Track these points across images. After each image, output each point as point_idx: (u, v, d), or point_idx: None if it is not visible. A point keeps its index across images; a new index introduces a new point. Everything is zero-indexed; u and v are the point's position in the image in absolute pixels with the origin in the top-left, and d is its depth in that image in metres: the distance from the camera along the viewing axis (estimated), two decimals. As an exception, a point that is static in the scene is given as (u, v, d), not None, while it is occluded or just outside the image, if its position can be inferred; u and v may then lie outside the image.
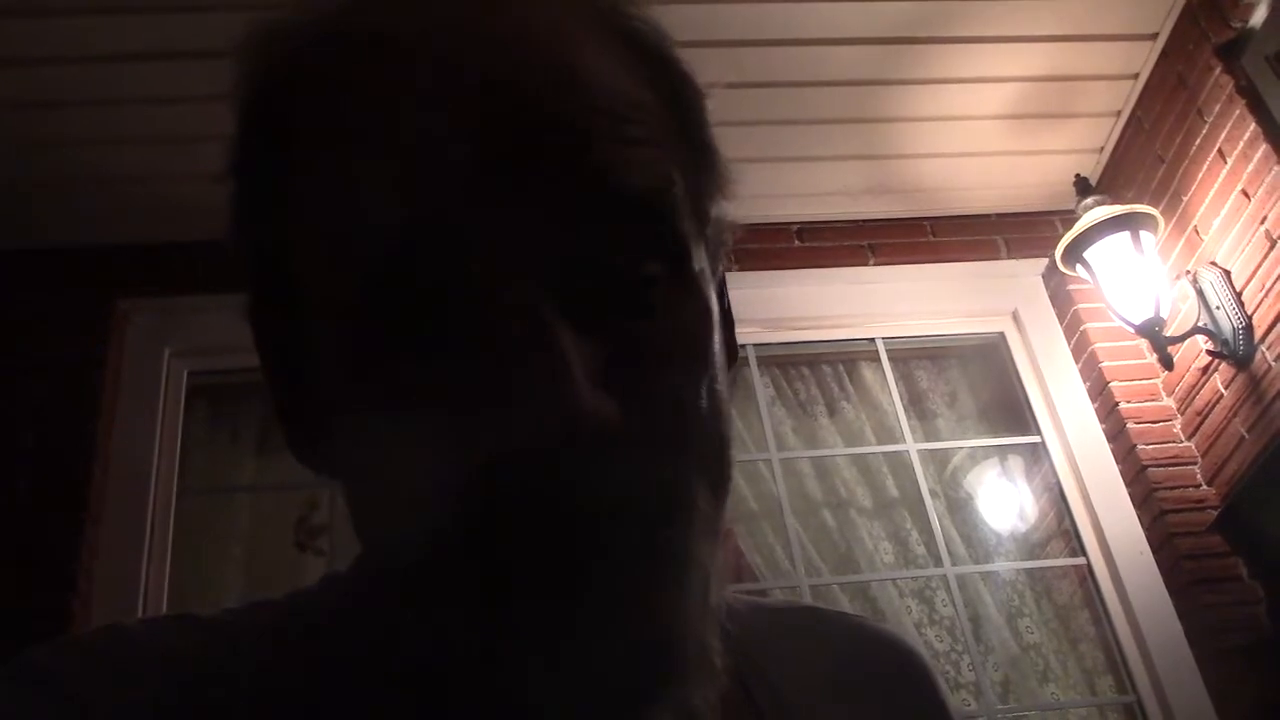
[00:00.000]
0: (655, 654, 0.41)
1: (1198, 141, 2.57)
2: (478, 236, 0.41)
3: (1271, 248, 2.35)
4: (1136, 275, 2.55)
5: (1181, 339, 2.57)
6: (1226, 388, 2.51)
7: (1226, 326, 2.46)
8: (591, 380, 0.40)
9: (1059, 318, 2.93)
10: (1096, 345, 2.80)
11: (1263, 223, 2.38)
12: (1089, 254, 2.59)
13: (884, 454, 2.85)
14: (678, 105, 0.50)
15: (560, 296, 0.41)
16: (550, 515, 0.39)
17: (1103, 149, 2.94)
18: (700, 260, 0.48)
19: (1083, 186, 2.74)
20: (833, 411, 2.91)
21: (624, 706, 0.40)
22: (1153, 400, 2.73)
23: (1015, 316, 2.95)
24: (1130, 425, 2.68)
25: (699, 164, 0.50)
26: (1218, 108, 2.50)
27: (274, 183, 0.48)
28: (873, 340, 2.93)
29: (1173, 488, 2.60)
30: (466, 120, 0.42)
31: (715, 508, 0.45)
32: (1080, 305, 2.84)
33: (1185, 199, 2.62)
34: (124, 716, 0.42)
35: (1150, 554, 2.58)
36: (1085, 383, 2.82)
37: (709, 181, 0.52)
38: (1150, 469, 2.62)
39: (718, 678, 0.43)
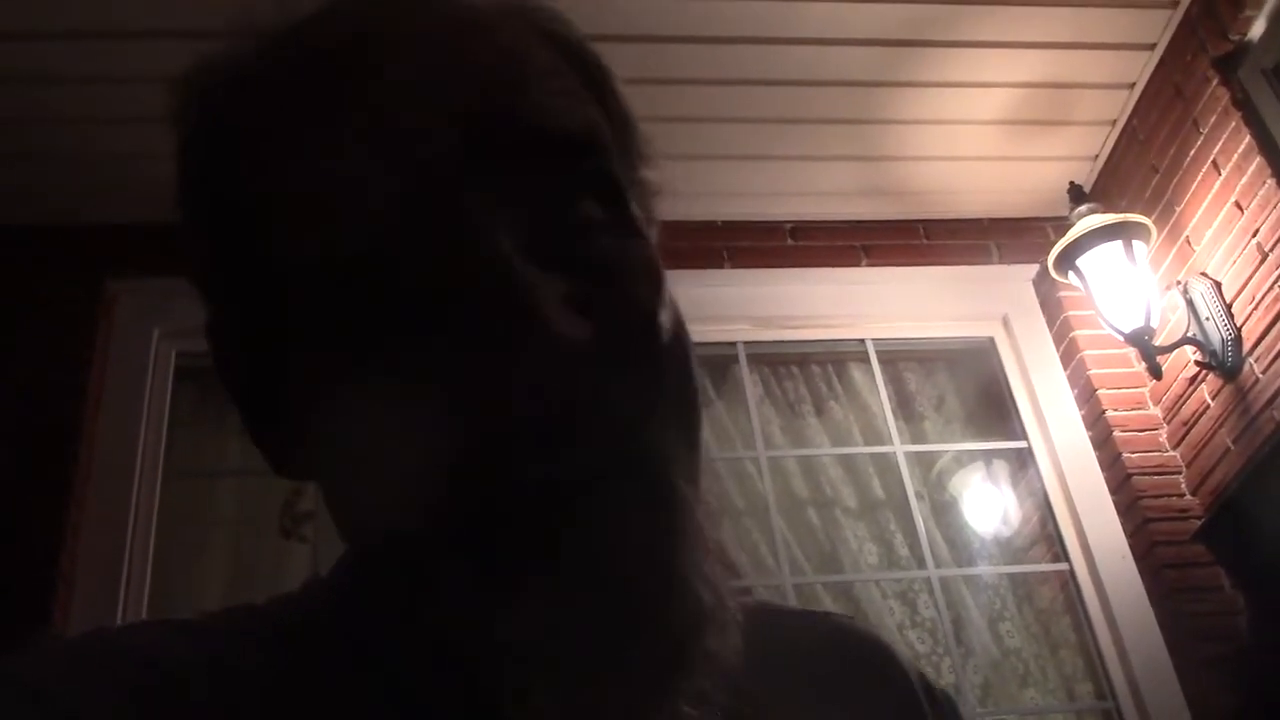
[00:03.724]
0: (664, 589, 0.42)
1: (1192, 152, 2.58)
2: (442, 200, 0.44)
3: (1262, 260, 2.36)
4: (1127, 284, 2.55)
5: (1170, 349, 2.58)
6: (1213, 399, 2.52)
7: (1215, 338, 2.47)
8: (561, 306, 0.42)
9: (1048, 324, 2.93)
10: (1085, 352, 2.80)
11: (1254, 235, 2.38)
12: (1081, 261, 2.59)
13: (870, 455, 2.85)
14: (592, 79, 0.54)
15: (519, 240, 0.43)
16: (543, 445, 0.41)
17: (1097, 157, 2.94)
18: (636, 209, 0.51)
19: (1076, 194, 2.75)
20: (821, 411, 2.92)
21: (647, 671, 0.42)
22: (1139, 409, 2.74)
23: (1005, 321, 2.96)
24: (1116, 433, 2.69)
25: (617, 127, 0.53)
26: (1213, 119, 2.51)
27: (240, 183, 0.49)
28: (862, 341, 2.93)
29: (1157, 496, 2.60)
30: (419, 101, 0.45)
31: (689, 440, 0.47)
32: (1070, 312, 2.85)
33: (1178, 209, 2.63)
34: None
35: (1133, 562, 2.59)
36: (1073, 389, 2.83)
37: (629, 144, 0.55)
38: (1135, 477, 2.63)
39: (735, 642, 0.44)
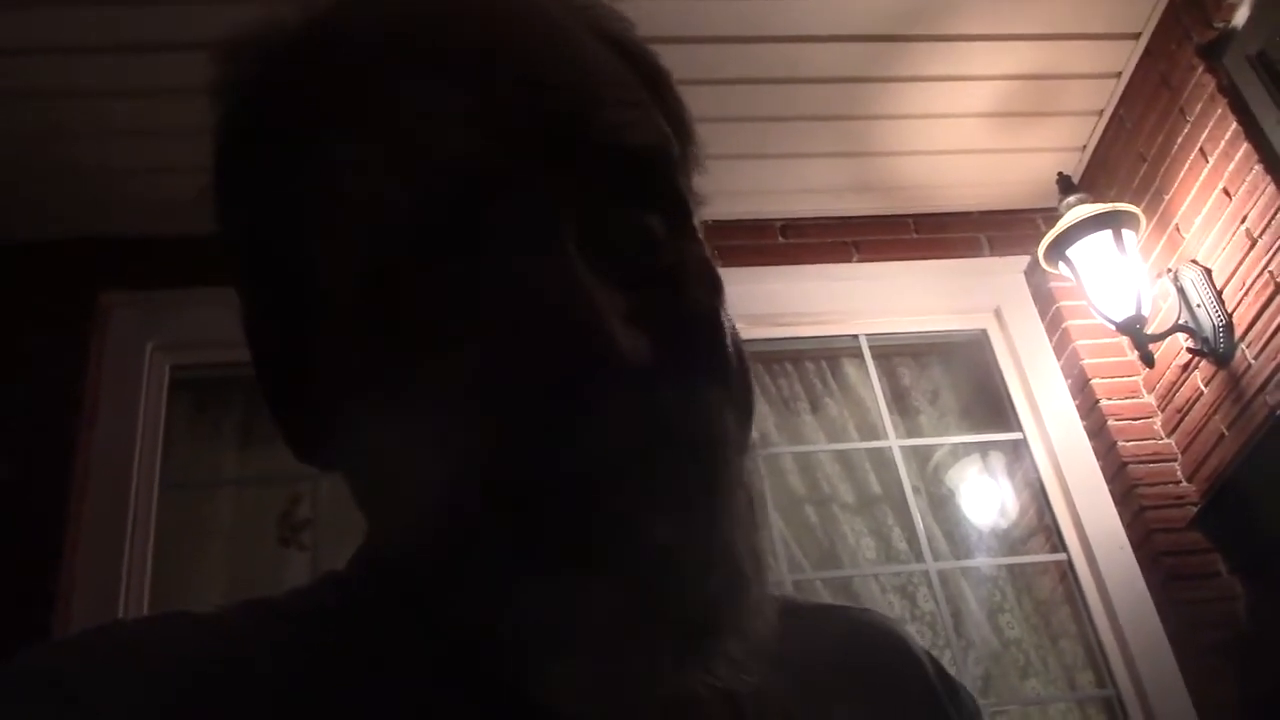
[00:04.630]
0: (710, 585, 0.42)
1: (1179, 140, 2.59)
2: (506, 197, 0.43)
3: (1252, 246, 2.37)
4: (1118, 273, 2.56)
5: (1162, 337, 2.59)
6: (1206, 385, 2.53)
7: (1207, 324, 2.48)
8: (621, 319, 0.42)
9: (1041, 315, 2.94)
10: (1078, 342, 2.81)
11: (1243, 221, 2.39)
12: (1071, 252, 2.60)
13: (866, 450, 2.86)
14: (656, 87, 0.53)
15: (584, 251, 0.43)
16: (590, 453, 0.41)
17: (1085, 147, 2.95)
18: (697, 220, 0.51)
19: (1065, 185, 2.75)
20: (816, 408, 2.92)
21: (677, 643, 0.42)
22: (1133, 397, 2.74)
23: (998, 314, 2.96)
24: (1111, 422, 2.69)
25: (677, 133, 0.53)
26: (1199, 107, 2.51)
27: (287, 182, 0.48)
28: (856, 337, 2.94)
29: (1153, 484, 2.61)
30: (496, 98, 0.45)
31: (744, 433, 0.48)
32: (1062, 303, 2.86)
33: (1167, 197, 2.64)
34: (131, 718, 0.42)
35: (1130, 550, 2.59)
36: (1066, 380, 2.84)
37: (687, 149, 0.55)
38: (1130, 466, 2.63)
39: (771, 615, 0.44)
